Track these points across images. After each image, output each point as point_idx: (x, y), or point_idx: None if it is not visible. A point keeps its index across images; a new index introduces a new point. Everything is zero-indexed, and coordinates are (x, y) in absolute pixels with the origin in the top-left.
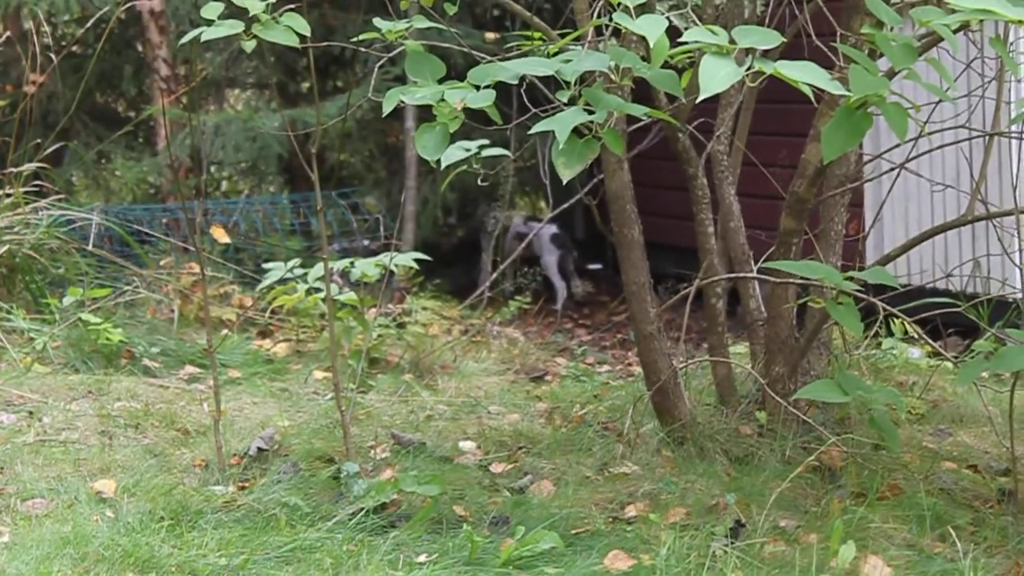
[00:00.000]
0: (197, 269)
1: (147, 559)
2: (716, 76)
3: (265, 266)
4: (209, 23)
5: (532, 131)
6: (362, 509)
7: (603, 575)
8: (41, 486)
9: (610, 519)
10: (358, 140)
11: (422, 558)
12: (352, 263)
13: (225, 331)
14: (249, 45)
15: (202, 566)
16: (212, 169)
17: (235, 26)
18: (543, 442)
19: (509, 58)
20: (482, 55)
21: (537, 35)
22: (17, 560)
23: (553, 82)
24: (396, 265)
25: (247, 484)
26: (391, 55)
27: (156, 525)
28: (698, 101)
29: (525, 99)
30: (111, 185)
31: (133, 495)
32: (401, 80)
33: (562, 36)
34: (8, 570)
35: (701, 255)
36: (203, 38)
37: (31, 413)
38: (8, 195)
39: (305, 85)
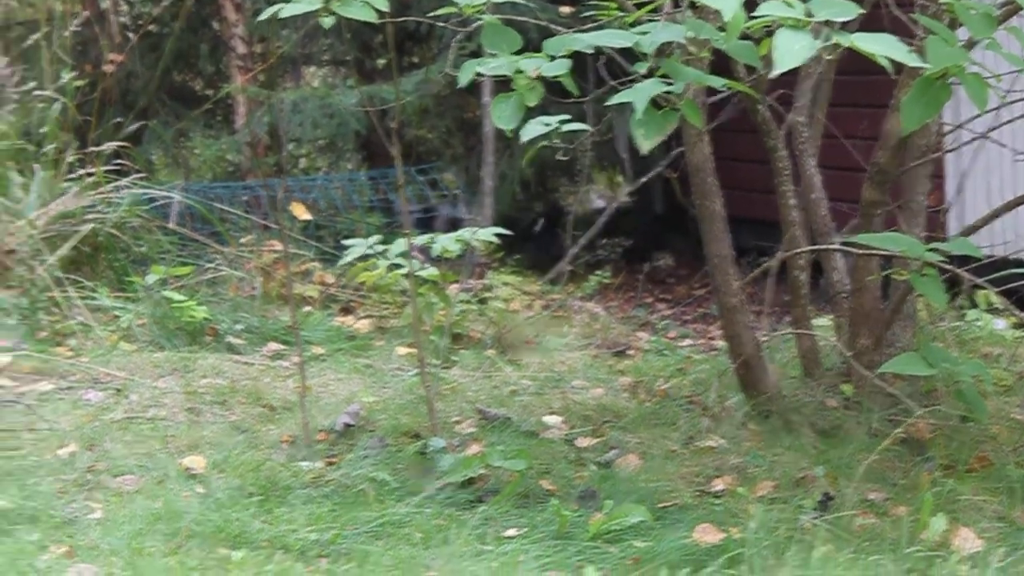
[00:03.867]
0: (278, 246)
1: (238, 534)
2: (791, 50)
3: (345, 243)
4: (287, 0)
5: (609, 103)
6: (449, 484)
7: (692, 548)
8: (131, 463)
9: (697, 493)
10: (435, 116)
11: (511, 532)
12: (432, 239)
13: (308, 308)
14: (328, 21)
15: (293, 541)
16: (290, 146)
17: (313, 2)
18: (628, 416)
19: (586, 30)
20: (558, 28)
21: (613, 7)
22: (110, 535)
23: (629, 54)
24: (476, 240)
25: (335, 459)
26: (468, 30)
27: (246, 501)
28: (775, 75)
29: (602, 73)
30: (190, 163)
31: (222, 471)
32: (477, 55)
33: (638, 7)
34: (101, 545)
35: (783, 227)
36: (281, 15)
37: (118, 390)
38: (90, 175)
39: (381, 61)
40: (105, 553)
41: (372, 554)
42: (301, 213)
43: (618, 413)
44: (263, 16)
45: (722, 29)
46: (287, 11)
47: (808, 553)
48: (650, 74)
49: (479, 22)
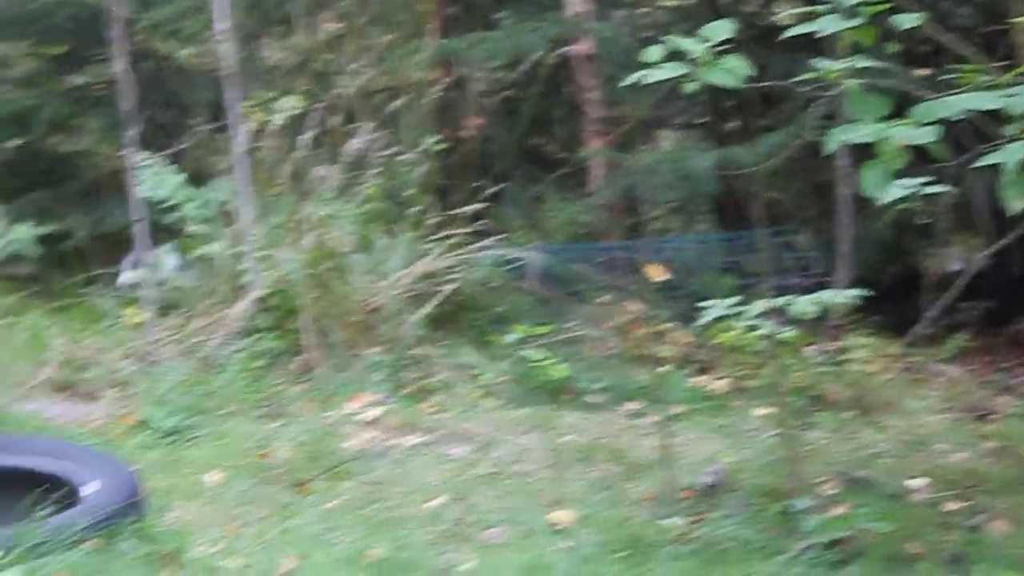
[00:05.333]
0: (634, 307)
1: None
2: None
3: (701, 304)
4: (646, 66)
5: (977, 165)
6: (814, 544)
7: None
8: (498, 516)
9: None
10: (788, 178)
11: None
12: (790, 300)
13: (664, 368)
14: (690, 87)
15: None
16: (644, 208)
17: (677, 68)
18: (993, 480)
19: (950, 94)
20: (920, 92)
21: (970, 69)
22: None
23: (992, 116)
24: (835, 302)
25: (699, 518)
26: (829, 94)
27: (611, 556)
28: None
29: (959, 135)
30: (544, 225)
31: (587, 526)
32: (830, 118)
33: (1004, 69)
34: None
35: None
36: (646, 81)
37: (483, 446)
38: (451, 236)
39: (732, 124)
40: None
41: None
42: (656, 274)
43: (983, 477)
44: (628, 81)
45: None
46: (652, 76)
47: None
48: (1018, 136)
49: (840, 87)
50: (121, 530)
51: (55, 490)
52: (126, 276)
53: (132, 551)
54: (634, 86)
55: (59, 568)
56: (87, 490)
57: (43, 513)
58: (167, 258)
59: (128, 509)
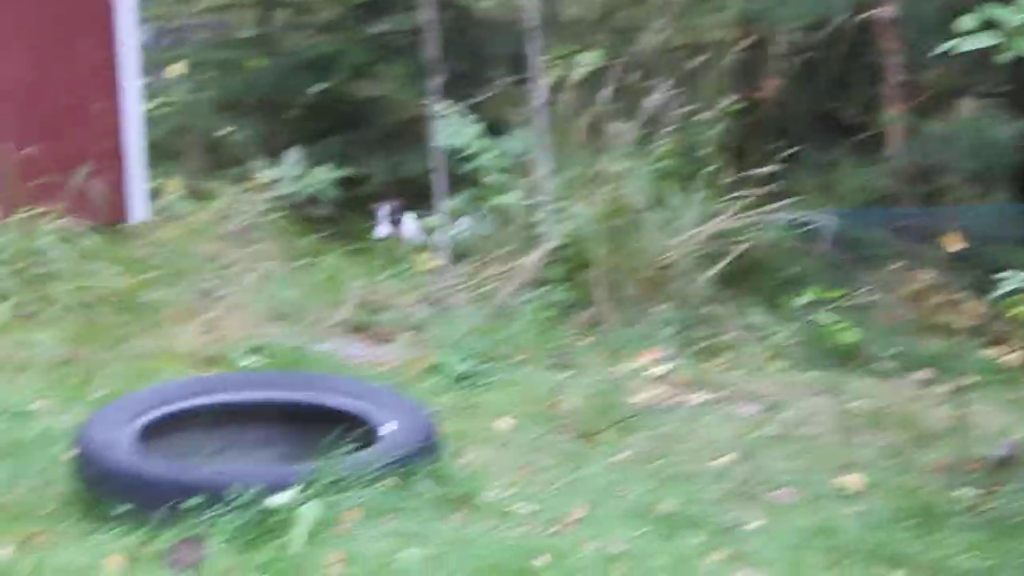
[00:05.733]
0: (928, 275)
1: (894, 555)
2: None
3: (996, 275)
4: (958, 35)
5: None
6: None
7: None
8: (786, 477)
9: None
10: None
11: None
12: None
13: (957, 338)
14: (1005, 56)
15: (950, 566)
16: (941, 176)
17: (991, 38)
18: None
19: None
20: None
21: None
22: (771, 545)
23: None
24: None
25: (991, 490)
26: None
27: (900, 523)
28: None
29: None
30: (838, 189)
31: (875, 492)
32: None
33: None
34: (763, 552)
35: None
36: (958, 49)
37: (771, 407)
38: (744, 196)
39: None
40: (767, 562)
41: None
42: (952, 243)
43: None
44: (940, 49)
45: None
46: (964, 46)
47: None
48: None
49: None
50: (416, 471)
51: (354, 429)
52: (383, 228)
53: (426, 492)
54: (940, 54)
55: (356, 504)
56: (385, 430)
57: (343, 450)
58: (460, 215)
59: (424, 451)
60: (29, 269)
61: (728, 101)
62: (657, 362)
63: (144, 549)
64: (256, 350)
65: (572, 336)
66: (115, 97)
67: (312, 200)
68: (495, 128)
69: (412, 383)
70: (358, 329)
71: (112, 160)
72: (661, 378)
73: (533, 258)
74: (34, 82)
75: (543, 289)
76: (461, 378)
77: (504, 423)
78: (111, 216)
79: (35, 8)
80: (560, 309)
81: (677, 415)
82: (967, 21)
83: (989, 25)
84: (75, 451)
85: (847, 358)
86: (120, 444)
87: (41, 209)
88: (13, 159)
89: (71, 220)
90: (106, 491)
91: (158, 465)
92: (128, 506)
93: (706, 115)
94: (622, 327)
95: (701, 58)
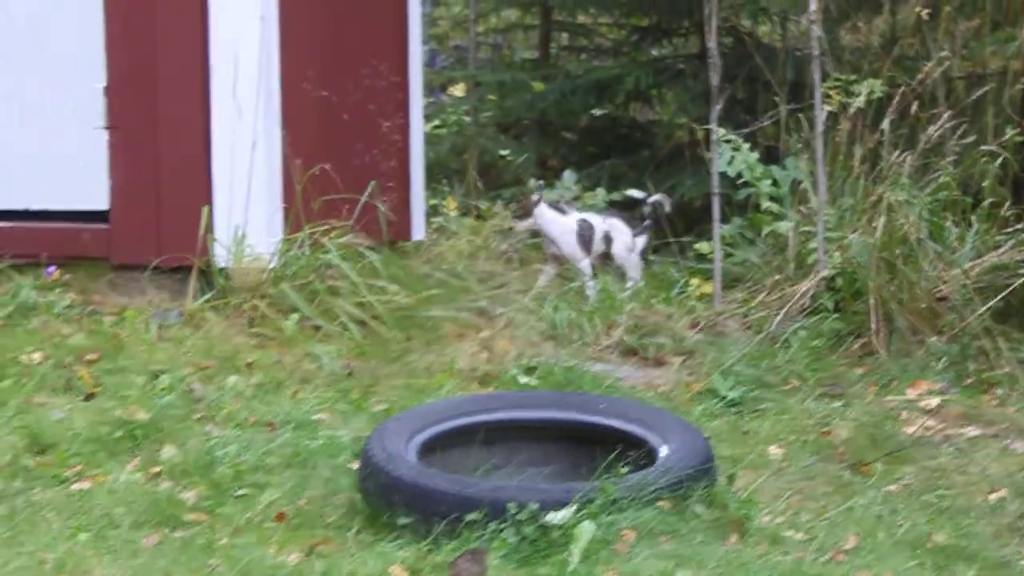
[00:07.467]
0: None
1: None
2: None
3: None
4: None
5: None
6: None
7: None
8: None
9: None
10: None
11: None
12: None
13: None
14: None
15: None
16: None
17: None
18: None
19: None
20: None
21: None
22: None
23: None
24: None
25: None
26: None
27: None
28: None
29: None
30: None
31: None
32: None
33: None
34: None
35: None
36: None
37: None
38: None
39: None
40: None
41: None
42: None
43: None
44: None
45: None
46: None
47: None
48: None
49: None
50: (691, 493)
51: (629, 450)
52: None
53: (701, 515)
54: None
55: (631, 524)
56: (663, 451)
57: (622, 471)
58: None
59: (700, 474)
60: (314, 284)
61: (1010, 133)
62: (929, 394)
63: (426, 561)
64: (530, 370)
65: (843, 365)
66: (404, 117)
67: None
68: (769, 155)
69: (683, 407)
70: (630, 352)
71: (398, 179)
72: (933, 410)
73: (806, 286)
74: (328, 101)
75: (815, 318)
76: (732, 404)
77: (775, 450)
78: (393, 234)
79: (334, 29)
80: (832, 338)
81: (949, 448)
82: None
83: None
84: (359, 462)
85: None
86: (403, 457)
87: (327, 225)
88: (304, 176)
89: (355, 237)
90: (389, 502)
91: (440, 479)
92: (410, 518)
93: (986, 147)
94: (894, 358)
95: (983, 88)
